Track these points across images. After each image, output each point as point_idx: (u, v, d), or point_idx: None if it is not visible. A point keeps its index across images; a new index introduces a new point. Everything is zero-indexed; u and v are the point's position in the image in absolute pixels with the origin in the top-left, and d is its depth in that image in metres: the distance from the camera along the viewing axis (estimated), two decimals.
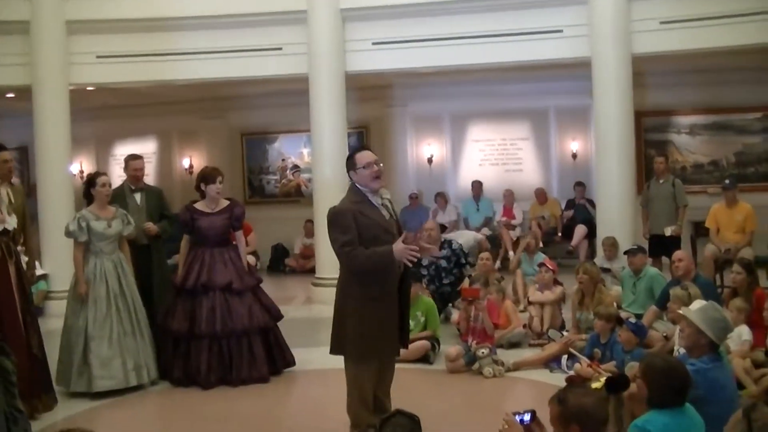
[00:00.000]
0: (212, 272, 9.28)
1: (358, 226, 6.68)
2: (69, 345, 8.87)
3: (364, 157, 6.95)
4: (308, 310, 13.56)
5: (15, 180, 9.48)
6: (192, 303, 9.22)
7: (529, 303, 11.10)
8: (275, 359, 9.51)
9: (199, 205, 9.51)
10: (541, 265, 11.46)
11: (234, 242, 9.71)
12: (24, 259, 8.19)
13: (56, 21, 13.73)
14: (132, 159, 10.35)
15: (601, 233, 13.07)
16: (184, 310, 9.23)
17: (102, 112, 19.05)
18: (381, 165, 6.96)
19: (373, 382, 6.98)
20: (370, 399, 6.97)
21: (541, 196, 17.19)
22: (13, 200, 8.81)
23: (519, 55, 13.55)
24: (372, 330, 6.73)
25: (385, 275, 6.77)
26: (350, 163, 7.02)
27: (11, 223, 8.00)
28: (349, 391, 6.95)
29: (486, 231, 16.33)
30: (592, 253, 14.90)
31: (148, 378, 9.12)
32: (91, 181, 9.09)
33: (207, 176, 9.51)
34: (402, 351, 9.51)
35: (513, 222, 17.06)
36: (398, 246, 6.54)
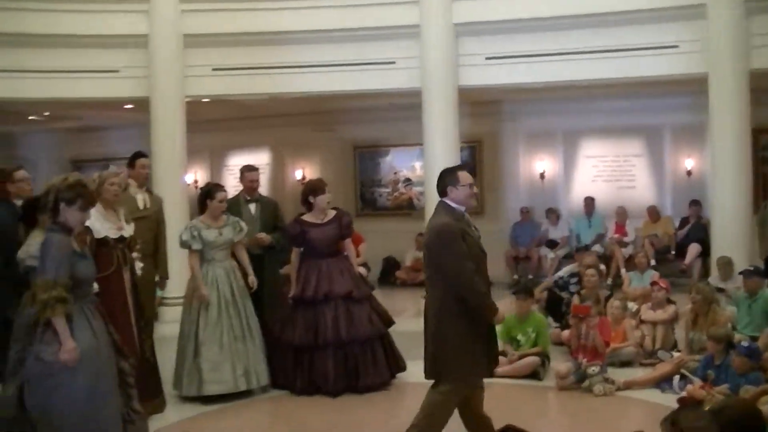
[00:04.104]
0: (332, 282, 9.37)
1: (465, 245, 6.56)
2: (182, 350, 9.06)
3: (466, 176, 6.82)
4: (418, 323, 13.44)
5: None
6: (313, 313, 9.32)
7: (641, 322, 10.94)
8: (389, 364, 9.57)
9: (307, 218, 9.60)
10: (654, 283, 11.29)
11: (344, 252, 9.78)
12: (139, 265, 8.35)
13: (174, 35, 14.03)
14: (247, 170, 10.51)
15: (716, 252, 12.84)
16: (305, 320, 9.33)
17: (216, 124, 19.33)
18: None
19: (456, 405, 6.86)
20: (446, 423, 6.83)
21: (654, 213, 16.91)
22: (148, 206, 9.11)
23: (633, 70, 13.40)
24: (476, 351, 6.63)
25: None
26: (452, 179, 6.80)
27: (128, 230, 8.16)
28: (428, 414, 6.71)
29: (597, 248, 16.14)
30: (705, 273, 14.62)
31: (258, 383, 9.22)
32: (209, 193, 9.23)
33: (316, 188, 9.61)
34: (511, 367, 9.53)
35: (625, 239, 16.85)
36: (499, 317, 6.64)
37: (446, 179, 6.82)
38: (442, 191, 6.80)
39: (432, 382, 6.79)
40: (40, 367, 5.53)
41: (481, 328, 6.68)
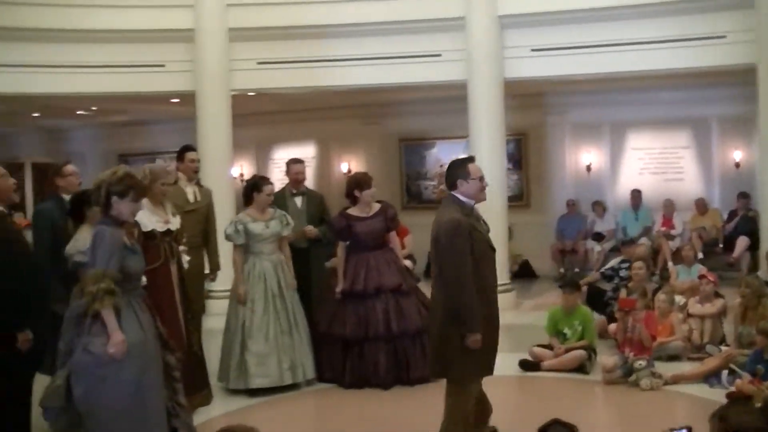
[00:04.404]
0: (381, 275, 9.40)
1: (472, 241, 6.46)
2: (229, 344, 9.11)
3: (477, 168, 6.73)
4: None
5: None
6: (363, 307, 9.35)
7: (689, 315, 10.85)
8: None
9: (353, 211, 9.62)
10: (702, 277, 11.20)
11: (389, 245, 9.79)
12: (186, 258, 8.39)
13: (219, 29, 14.09)
14: (293, 163, 10.55)
15: (765, 245, 12.69)
16: (356, 314, 9.35)
17: (262, 117, 19.40)
18: None
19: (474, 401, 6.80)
20: (472, 418, 6.80)
21: (701, 206, 16.75)
22: (199, 199, 9.18)
23: (680, 62, 13.25)
24: (479, 352, 6.49)
25: (490, 297, 6.71)
26: (462, 172, 6.68)
27: (174, 223, 8.20)
28: (451, 415, 6.64)
29: (645, 241, 16.02)
30: (754, 266, 14.48)
31: (303, 377, 9.26)
32: (256, 186, 9.26)
33: (362, 182, 9.62)
34: (558, 361, 9.51)
35: (672, 232, 16.71)
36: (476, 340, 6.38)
37: (457, 172, 6.71)
38: (452, 184, 6.69)
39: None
40: (87, 358, 5.58)
41: (491, 327, 6.65)
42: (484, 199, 6.78)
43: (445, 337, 6.50)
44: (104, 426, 5.60)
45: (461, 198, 6.61)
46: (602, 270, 12.48)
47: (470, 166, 6.71)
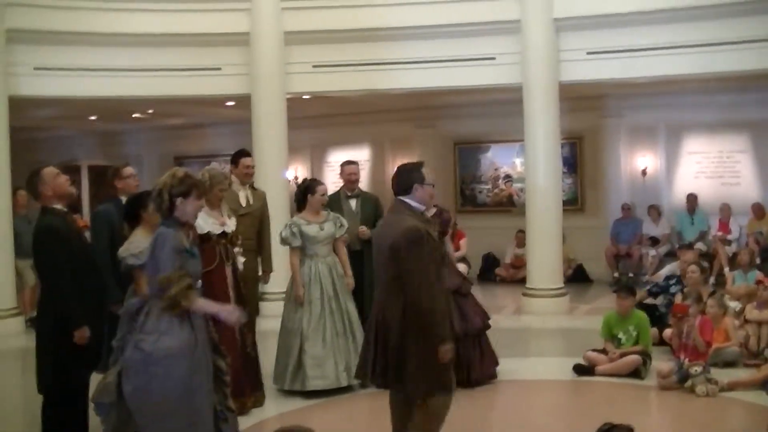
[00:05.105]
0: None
1: (429, 249, 6.12)
2: (286, 346, 9.13)
3: (431, 173, 6.40)
4: (518, 320, 13.50)
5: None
6: None
7: (746, 321, 10.74)
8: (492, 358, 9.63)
9: None
10: (759, 282, 11.07)
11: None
12: (241, 260, 8.44)
13: (275, 32, 14.18)
14: (347, 164, 10.61)
15: None
16: None
17: (317, 120, 19.46)
18: None
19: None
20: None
21: (759, 210, 16.55)
22: (252, 202, 9.20)
23: (738, 64, 13.09)
24: (441, 368, 6.11)
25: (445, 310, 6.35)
26: (419, 176, 6.33)
27: (230, 225, 8.27)
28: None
29: (700, 246, 15.88)
30: None
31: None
32: (309, 188, 9.29)
33: None
34: (612, 365, 9.44)
35: (729, 237, 16.54)
36: (447, 349, 6.02)
37: (414, 176, 6.36)
38: (406, 189, 6.33)
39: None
40: (138, 355, 5.63)
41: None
42: (432, 207, 6.53)
43: (405, 352, 6.08)
44: (152, 423, 5.66)
45: (412, 204, 6.28)
46: (649, 288, 12.28)
47: (425, 170, 6.40)
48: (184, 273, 5.66)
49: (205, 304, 5.86)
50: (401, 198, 6.35)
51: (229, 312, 5.95)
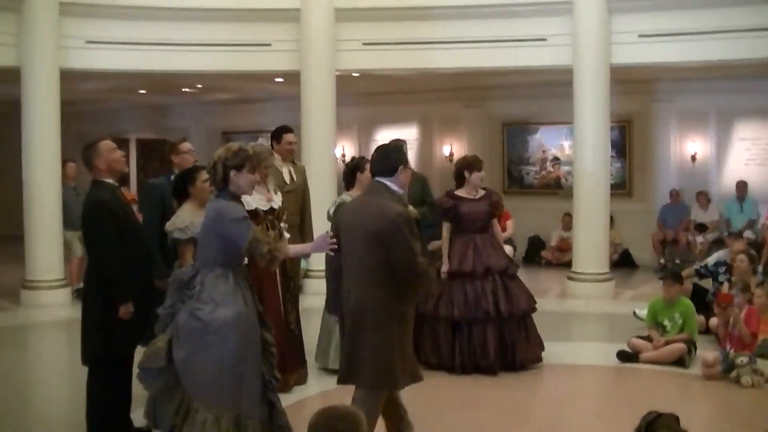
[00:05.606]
0: (489, 257, 9.37)
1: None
2: (327, 325, 9.12)
3: (408, 158, 6.26)
4: (562, 303, 13.42)
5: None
6: (472, 287, 9.29)
7: None
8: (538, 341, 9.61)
9: (460, 192, 9.61)
10: None
11: (490, 230, 9.73)
12: (286, 236, 8.42)
13: (325, 9, 14.12)
14: None
15: None
16: (464, 294, 9.28)
17: (365, 98, 19.50)
18: None
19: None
20: None
21: None
22: (295, 178, 9.18)
23: None
24: (406, 354, 6.16)
25: (414, 294, 6.30)
26: (402, 158, 6.19)
27: (276, 201, 8.28)
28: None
29: (749, 234, 15.72)
30: None
31: None
32: (358, 166, 9.19)
33: (473, 164, 9.60)
34: (656, 353, 9.37)
35: None
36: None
37: (399, 157, 6.21)
38: (391, 170, 6.14)
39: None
40: (195, 323, 5.72)
41: (408, 333, 6.21)
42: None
43: (387, 338, 6.01)
44: (201, 390, 5.74)
45: (392, 186, 6.11)
46: (698, 267, 12.19)
47: (406, 153, 6.34)
48: (258, 234, 5.84)
49: (297, 249, 6.47)
50: (380, 179, 6.18)
51: (319, 245, 6.23)
